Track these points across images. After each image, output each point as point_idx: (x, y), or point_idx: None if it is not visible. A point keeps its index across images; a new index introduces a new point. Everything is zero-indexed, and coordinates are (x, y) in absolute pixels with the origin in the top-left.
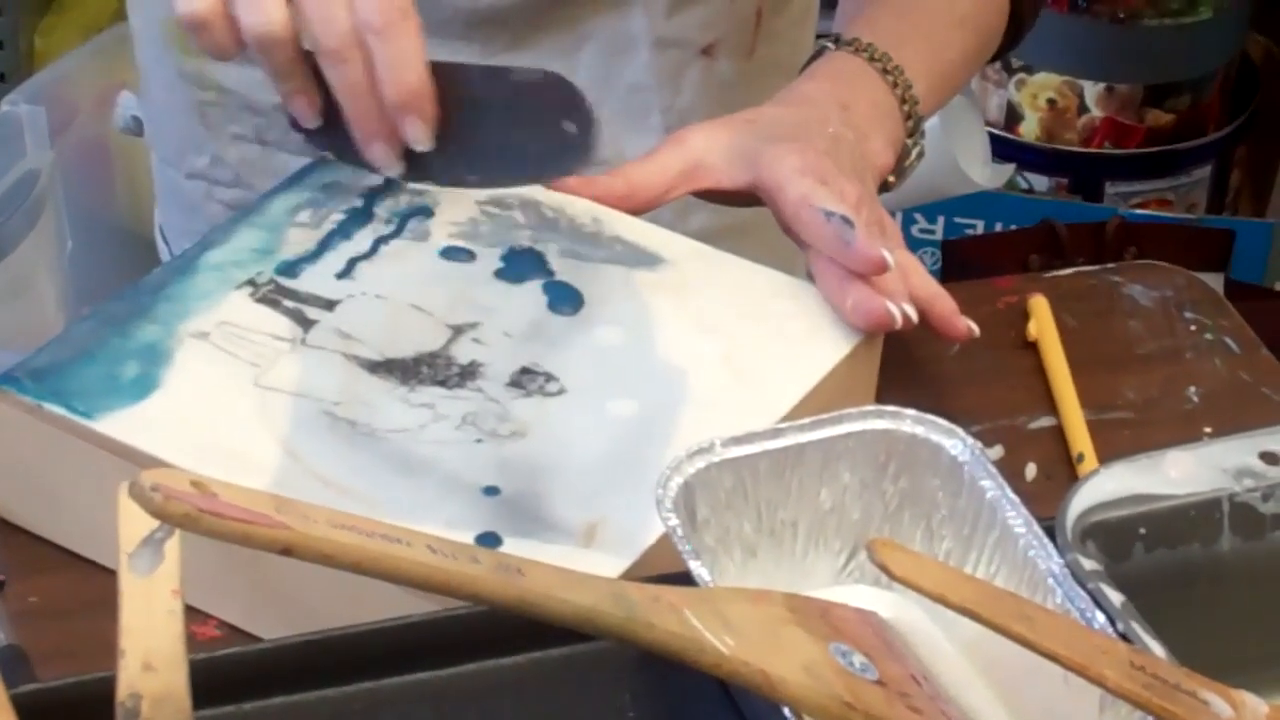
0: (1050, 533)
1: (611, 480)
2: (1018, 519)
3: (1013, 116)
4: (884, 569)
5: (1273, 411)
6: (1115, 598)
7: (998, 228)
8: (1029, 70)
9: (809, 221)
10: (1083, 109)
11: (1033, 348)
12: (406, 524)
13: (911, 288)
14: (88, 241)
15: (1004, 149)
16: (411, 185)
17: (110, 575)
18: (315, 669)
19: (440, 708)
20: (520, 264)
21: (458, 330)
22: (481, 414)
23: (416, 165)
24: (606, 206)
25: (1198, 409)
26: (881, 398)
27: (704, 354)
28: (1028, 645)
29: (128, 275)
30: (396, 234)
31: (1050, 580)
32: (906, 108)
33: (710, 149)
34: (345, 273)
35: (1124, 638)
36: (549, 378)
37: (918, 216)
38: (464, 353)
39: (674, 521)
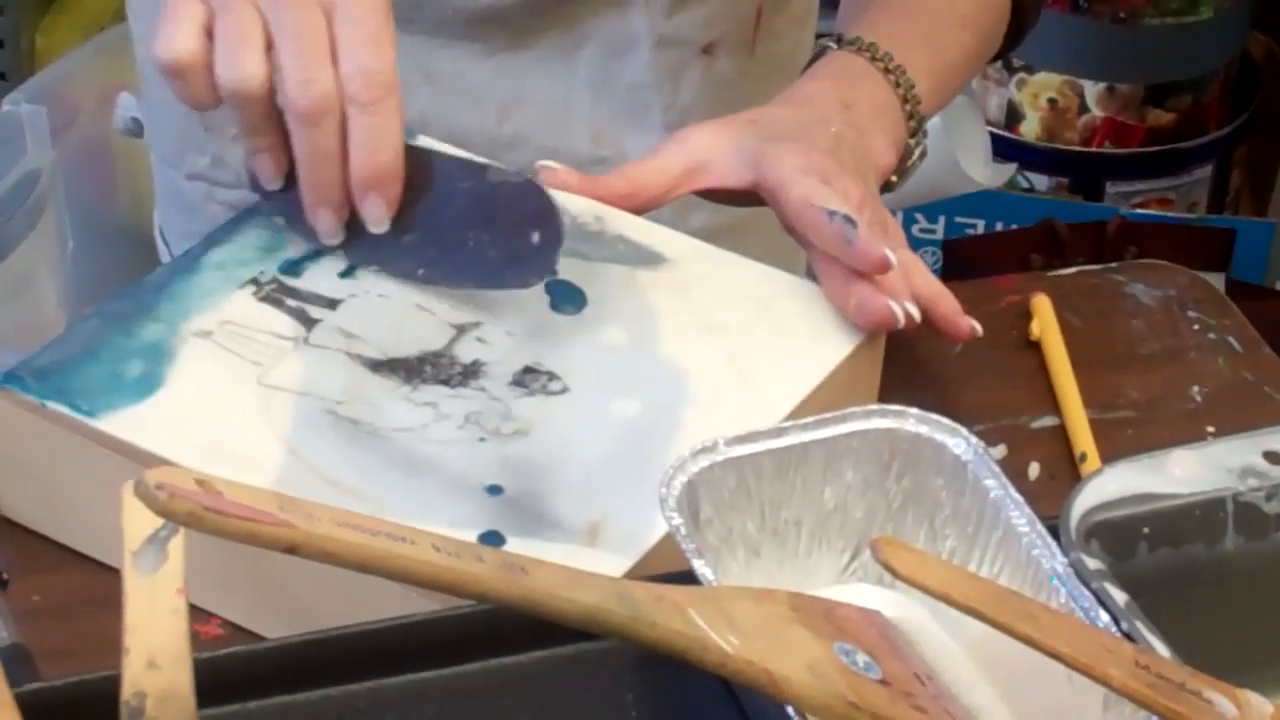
0: (1054, 532)
1: (615, 479)
2: (1021, 518)
3: (1013, 116)
4: (888, 568)
5: (1276, 411)
6: (1119, 597)
7: (998, 227)
8: (1030, 70)
9: (811, 221)
10: (1083, 108)
11: (1035, 347)
12: (410, 523)
13: (914, 287)
14: (89, 241)
15: (1005, 148)
16: (355, 266)
17: (114, 574)
18: (318, 668)
19: (443, 707)
20: None
21: (461, 329)
22: (484, 413)
23: (365, 245)
24: (608, 205)
25: (1201, 408)
26: (885, 397)
27: (707, 353)
28: (1032, 644)
29: (129, 275)
30: None
31: (1054, 579)
32: (908, 107)
33: (712, 148)
34: (348, 272)
35: (1128, 637)
36: (552, 377)
37: (919, 216)
38: (467, 352)
39: (677, 520)
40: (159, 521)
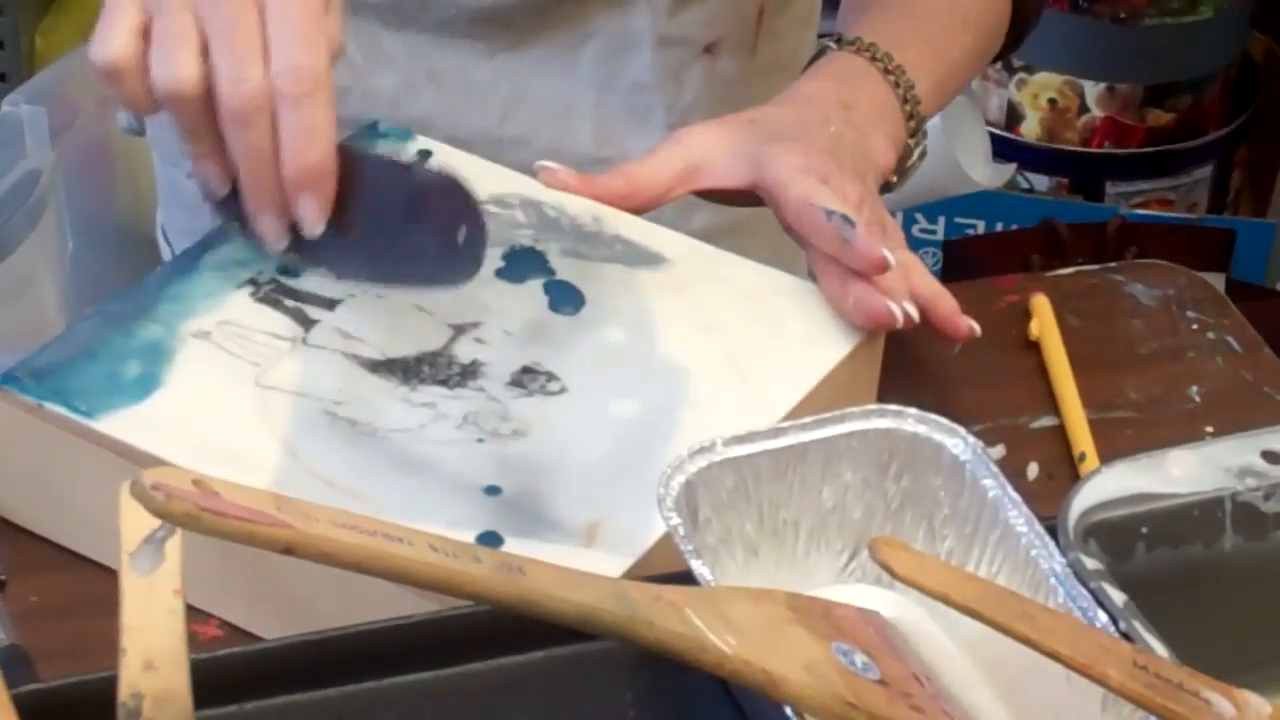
0: (1052, 532)
1: (613, 480)
2: (1020, 518)
3: (1014, 116)
4: (886, 568)
5: (1275, 410)
6: (1117, 597)
7: (998, 228)
8: (1030, 70)
9: (810, 221)
10: (1083, 109)
11: (1034, 347)
12: (407, 523)
13: (913, 287)
14: (89, 242)
15: (1005, 149)
16: (302, 267)
17: (111, 575)
18: (316, 668)
19: (441, 707)
20: (521, 263)
21: (459, 330)
22: (483, 413)
23: (313, 250)
24: (607, 205)
25: (1200, 408)
26: (883, 397)
27: (705, 353)
28: (1030, 644)
29: (129, 275)
30: None
31: (1052, 579)
32: (908, 108)
33: (711, 148)
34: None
35: (1126, 637)
36: (550, 377)
37: (919, 216)
38: (465, 352)
39: (675, 521)
40: (156, 522)
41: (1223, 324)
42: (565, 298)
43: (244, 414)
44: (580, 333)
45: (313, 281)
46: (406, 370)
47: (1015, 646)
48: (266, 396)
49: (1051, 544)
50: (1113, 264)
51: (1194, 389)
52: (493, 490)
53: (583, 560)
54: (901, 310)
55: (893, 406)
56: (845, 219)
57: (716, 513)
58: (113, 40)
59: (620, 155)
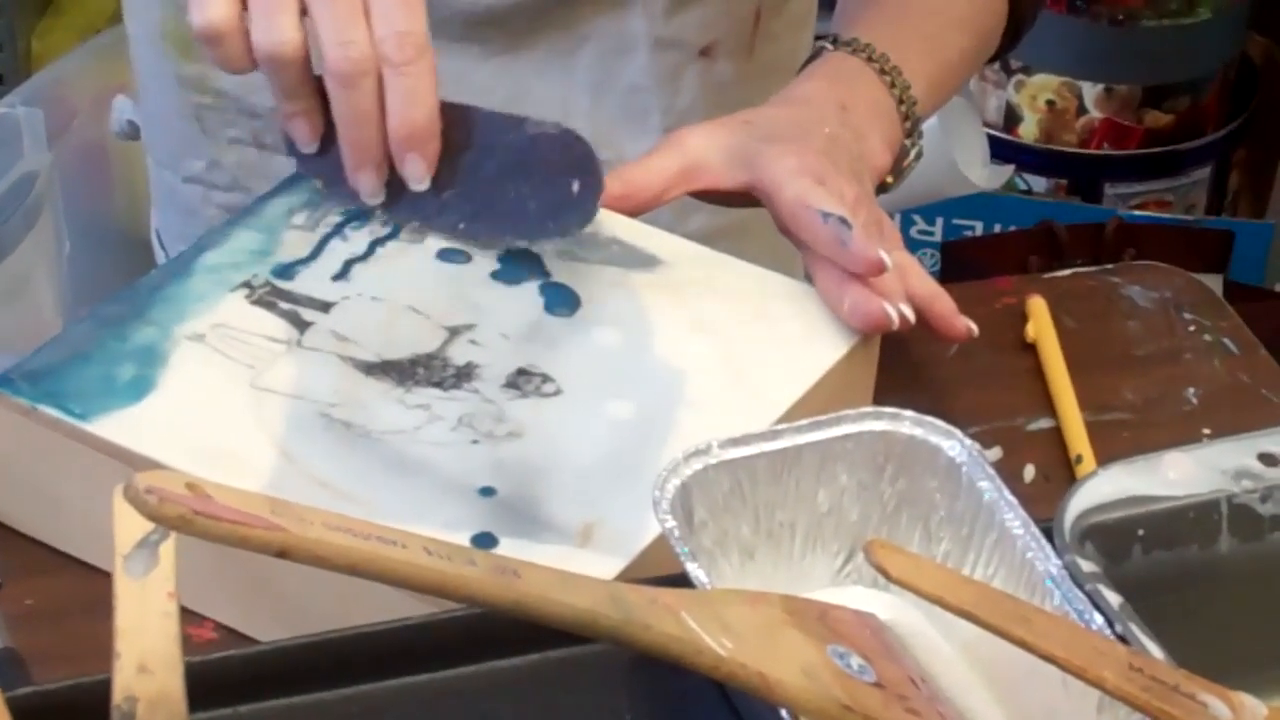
0: (1048, 534)
1: (608, 481)
2: (1016, 520)
3: (1011, 118)
4: (882, 570)
5: (1272, 413)
6: (1113, 599)
7: (997, 229)
8: (1028, 71)
9: (806, 222)
10: (1081, 110)
11: (1031, 349)
12: (402, 525)
13: (910, 288)
14: (85, 244)
15: (1003, 150)
16: (397, 222)
17: (107, 578)
18: (311, 671)
19: (437, 710)
20: (517, 265)
21: (454, 332)
22: (478, 415)
23: (407, 203)
24: (603, 208)
25: (1196, 410)
26: (879, 399)
27: (701, 355)
28: (1026, 647)
29: (126, 277)
30: (393, 236)
31: (1048, 582)
32: (904, 108)
33: (707, 150)
34: (341, 274)
35: (1122, 639)
36: (545, 379)
37: (916, 218)
38: (460, 354)
39: (671, 523)
40: (150, 525)
41: (1220, 326)
42: (561, 300)
43: (239, 417)
44: (576, 335)
45: (307, 284)
46: (401, 372)
47: (1011, 649)
48: (261, 399)
49: (1047, 546)
50: (1109, 266)
51: (1191, 391)
52: (488, 491)
53: (577, 562)
54: (897, 312)
55: (889, 409)
56: (841, 220)
57: (712, 515)
58: (212, 5)
59: (616, 158)
